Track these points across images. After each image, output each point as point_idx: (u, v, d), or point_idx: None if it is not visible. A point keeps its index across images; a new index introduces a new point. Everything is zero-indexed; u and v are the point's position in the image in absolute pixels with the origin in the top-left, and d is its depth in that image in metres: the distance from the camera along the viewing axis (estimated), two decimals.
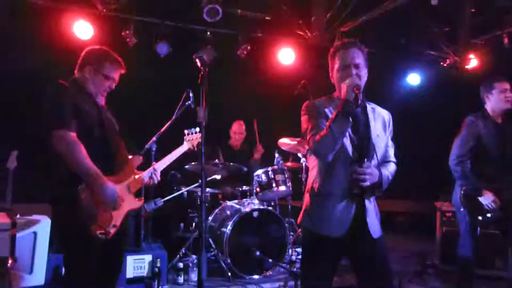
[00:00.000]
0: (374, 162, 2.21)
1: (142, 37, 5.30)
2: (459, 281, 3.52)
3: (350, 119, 2.13)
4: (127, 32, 5.20)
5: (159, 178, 2.75)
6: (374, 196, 2.28)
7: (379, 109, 2.41)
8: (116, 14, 5.11)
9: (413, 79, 6.72)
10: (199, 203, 4.36)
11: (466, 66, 6.04)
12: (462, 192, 3.42)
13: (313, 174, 2.34)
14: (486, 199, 3.28)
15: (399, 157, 2.52)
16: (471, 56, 5.96)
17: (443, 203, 5.18)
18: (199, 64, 2.48)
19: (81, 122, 2.37)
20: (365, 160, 2.16)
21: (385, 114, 2.40)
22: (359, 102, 2.13)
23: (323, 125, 2.20)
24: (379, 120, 2.35)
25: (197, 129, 3.16)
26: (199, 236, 2.33)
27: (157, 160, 2.97)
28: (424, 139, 6.46)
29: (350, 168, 2.17)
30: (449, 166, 3.46)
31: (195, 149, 3.04)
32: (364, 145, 2.22)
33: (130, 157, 2.65)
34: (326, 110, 2.28)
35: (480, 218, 3.35)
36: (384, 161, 2.35)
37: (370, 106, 2.35)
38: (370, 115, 2.31)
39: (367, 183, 2.13)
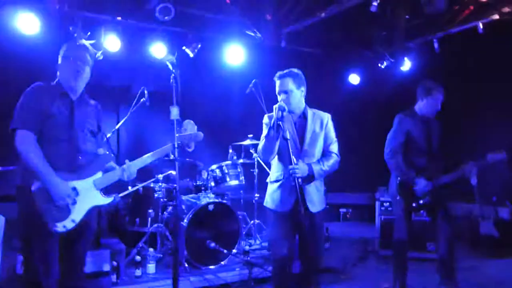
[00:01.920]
0: (309, 158, 3.00)
1: (92, 33, 5.22)
2: (395, 263, 3.84)
3: (277, 132, 2.85)
4: (75, 27, 5.10)
5: (132, 175, 2.77)
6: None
7: (318, 112, 3.14)
8: (63, 9, 5.00)
9: (354, 79, 7.14)
10: (155, 198, 4.47)
11: (401, 68, 6.54)
12: (397, 181, 3.75)
13: (272, 167, 3.18)
14: (419, 184, 3.62)
15: (341, 153, 3.15)
16: (405, 58, 6.47)
17: (381, 194, 5.62)
18: (170, 67, 2.64)
19: (46, 123, 2.50)
20: (294, 159, 2.87)
21: (323, 116, 3.12)
22: (284, 118, 2.87)
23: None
24: (317, 120, 3.09)
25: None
26: (174, 225, 2.47)
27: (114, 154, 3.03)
28: (364, 135, 6.90)
29: (286, 165, 2.91)
30: (384, 159, 3.80)
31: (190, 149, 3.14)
32: (297, 147, 2.99)
33: (101, 154, 2.72)
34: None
35: (413, 204, 3.71)
36: (327, 152, 3.09)
37: (311, 111, 3.11)
38: (309, 118, 3.07)
39: (299, 175, 2.84)
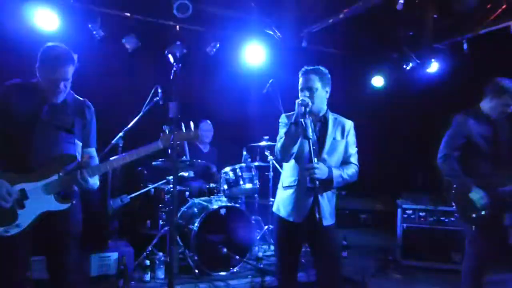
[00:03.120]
0: (327, 163, 2.76)
1: (110, 30, 5.18)
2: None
3: (299, 129, 2.62)
4: (94, 24, 5.08)
5: (91, 181, 2.52)
6: (328, 191, 2.82)
7: (341, 118, 2.93)
8: (83, 5, 4.98)
9: (378, 81, 6.90)
10: (166, 199, 4.37)
11: (427, 70, 6.26)
12: (453, 190, 3.35)
13: (284, 171, 2.95)
14: (475, 195, 3.20)
15: (362, 159, 2.94)
16: (432, 60, 6.18)
17: (404, 200, 5.39)
18: (172, 59, 2.44)
19: (7, 121, 2.39)
20: (316, 159, 2.64)
21: (346, 122, 2.92)
22: (307, 115, 2.64)
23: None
24: (339, 127, 2.88)
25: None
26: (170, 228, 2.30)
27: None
28: (387, 139, 6.66)
29: (302, 171, 2.73)
30: (437, 164, 3.39)
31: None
32: (316, 148, 2.73)
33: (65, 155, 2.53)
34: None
35: (473, 215, 3.24)
36: (345, 162, 2.87)
37: (333, 116, 2.89)
38: (330, 123, 2.85)
39: (317, 176, 2.59)
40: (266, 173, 5.04)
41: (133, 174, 4.73)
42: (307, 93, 2.75)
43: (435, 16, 5.59)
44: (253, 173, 4.67)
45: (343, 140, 2.86)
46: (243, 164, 4.68)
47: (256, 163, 4.94)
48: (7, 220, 2.32)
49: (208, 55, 5.62)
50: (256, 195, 5.06)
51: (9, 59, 4.40)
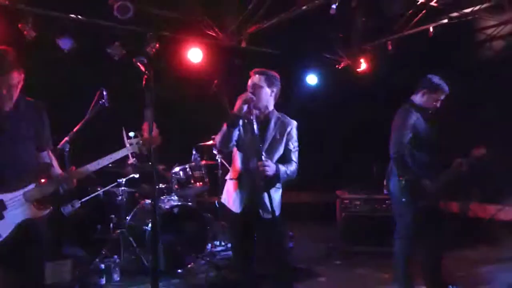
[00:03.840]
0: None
1: (44, 30, 4.97)
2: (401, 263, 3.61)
3: (238, 120, 2.76)
4: (25, 25, 4.84)
5: (69, 186, 2.57)
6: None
7: (284, 118, 3.01)
8: (12, 5, 4.72)
9: (312, 79, 7.28)
10: (117, 202, 4.33)
11: (357, 69, 6.75)
12: (403, 182, 3.45)
13: (232, 164, 3.03)
14: (426, 184, 3.39)
15: (301, 153, 3.05)
16: (361, 60, 6.69)
17: (342, 192, 5.78)
18: (142, 68, 2.48)
19: None
20: (264, 155, 2.77)
21: (288, 123, 2.99)
22: (244, 112, 2.76)
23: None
24: (281, 126, 2.95)
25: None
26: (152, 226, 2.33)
27: (74, 162, 2.86)
28: (322, 136, 7.04)
29: (249, 163, 2.83)
30: (391, 158, 3.51)
31: (144, 153, 2.91)
32: (257, 145, 2.79)
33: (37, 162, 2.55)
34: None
35: (424, 203, 3.43)
36: (285, 160, 2.93)
37: (276, 116, 2.98)
38: (272, 122, 2.94)
39: (269, 173, 2.71)
40: (215, 171, 5.16)
41: (81, 179, 4.59)
42: (251, 90, 2.88)
43: (363, 19, 6.08)
44: (203, 172, 4.77)
45: (283, 138, 2.93)
46: (192, 164, 4.76)
47: (205, 162, 5.03)
48: None
49: (148, 56, 5.59)
50: (206, 193, 5.16)
51: None
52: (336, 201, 5.71)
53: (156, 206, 2.51)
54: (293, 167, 2.94)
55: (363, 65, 6.72)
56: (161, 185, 4.77)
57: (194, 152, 4.93)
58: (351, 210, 5.56)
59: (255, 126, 2.76)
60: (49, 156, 2.63)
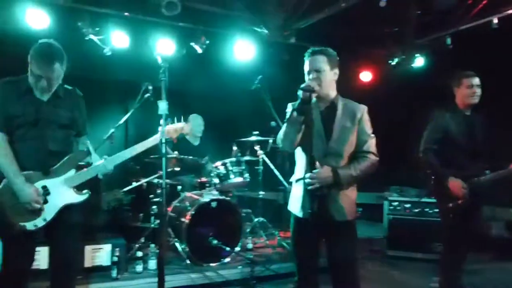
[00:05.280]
0: (335, 158, 2.51)
1: (99, 28, 5.24)
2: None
3: (301, 117, 2.41)
4: (83, 22, 5.13)
5: (108, 172, 2.71)
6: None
7: (352, 103, 2.64)
8: (72, 4, 5.02)
9: (365, 76, 7.04)
10: (158, 193, 4.46)
11: (412, 65, 6.41)
12: (432, 181, 3.47)
13: (296, 164, 2.68)
14: (452, 184, 3.31)
15: None
16: (417, 55, 6.34)
17: (390, 193, 5.53)
18: (160, 60, 2.56)
19: (12, 121, 2.49)
20: (321, 157, 2.47)
21: (357, 107, 2.62)
22: (310, 102, 2.43)
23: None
24: (349, 113, 2.58)
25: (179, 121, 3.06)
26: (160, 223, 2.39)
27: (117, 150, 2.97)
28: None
29: (309, 162, 2.49)
30: (418, 157, 3.51)
31: (175, 140, 3.03)
32: (322, 143, 2.50)
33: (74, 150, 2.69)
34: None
35: (450, 204, 3.35)
36: (361, 151, 2.57)
37: (342, 101, 2.62)
38: (339, 109, 2.57)
39: (316, 186, 2.43)
40: (256, 167, 5.16)
41: (125, 169, 4.82)
42: (314, 75, 2.52)
43: (418, 12, 5.74)
44: (243, 167, 4.79)
45: (354, 126, 2.56)
46: (233, 159, 4.79)
47: (246, 158, 5.04)
48: (33, 215, 2.47)
49: (197, 52, 5.69)
50: (246, 189, 5.18)
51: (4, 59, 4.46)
52: (383, 202, 5.49)
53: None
54: (366, 161, 2.54)
55: (418, 61, 6.37)
56: (202, 179, 4.84)
57: (235, 148, 4.96)
58: (399, 213, 5.32)
59: (317, 118, 2.48)
60: (86, 143, 2.77)
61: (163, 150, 2.81)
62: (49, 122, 2.57)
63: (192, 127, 5.28)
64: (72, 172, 2.61)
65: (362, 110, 2.61)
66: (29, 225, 2.46)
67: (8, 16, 4.67)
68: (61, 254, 2.61)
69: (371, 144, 2.59)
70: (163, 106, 2.80)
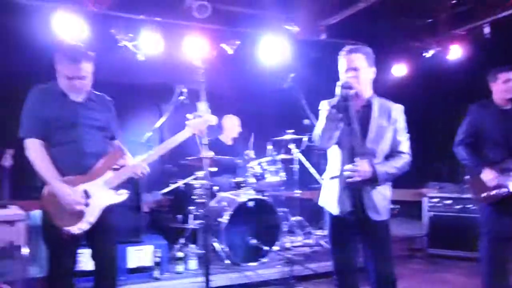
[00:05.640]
0: (371, 158, 2.48)
1: (132, 34, 5.33)
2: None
3: (339, 114, 2.42)
4: (116, 29, 5.24)
5: (145, 171, 2.75)
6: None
7: (387, 102, 2.64)
8: (105, 11, 5.13)
9: (398, 70, 6.88)
10: (196, 194, 4.51)
11: (448, 57, 6.22)
12: (467, 174, 3.47)
13: (329, 161, 2.71)
14: (486, 175, 3.26)
15: None
16: (453, 46, 6.13)
17: (430, 189, 5.39)
18: (198, 62, 2.57)
19: (49, 126, 2.52)
20: (357, 157, 2.44)
21: (393, 107, 2.62)
22: (349, 99, 2.43)
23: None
24: (385, 112, 2.59)
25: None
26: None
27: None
28: (411, 129, 6.63)
29: (347, 160, 2.47)
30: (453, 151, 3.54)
31: (202, 134, 3.05)
32: (357, 141, 2.48)
33: (112, 151, 2.73)
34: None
35: (484, 194, 3.29)
36: (396, 151, 2.58)
37: (378, 100, 2.62)
38: (376, 108, 2.57)
39: (357, 179, 2.41)
40: (291, 166, 5.13)
41: (162, 171, 4.90)
42: (352, 74, 2.50)
43: (453, 1, 5.56)
44: (279, 166, 4.77)
45: (390, 126, 2.57)
46: (268, 158, 4.78)
47: (281, 156, 5.02)
48: (77, 219, 2.51)
49: (228, 53, 5.72)
50: (282, 188, 5.16)
51: (40, 67, 4.60)
52: (423, 199, 5.35)
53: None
54: (402, 161, 2.56)
55: (454, 53, 6.17)
56: (237, 178, 4.85)
57: (269, 147, 4.94)
58: (440, 210, 5.18)
59: (353, 117, 2.44)
60: (120, 145, 2.83)
61: (201, 143, 2.78)
62: (85, 124, 2.61)
63: (228, 127, 5.33)
64: (109, 173, 2.64)
65: (398, 110, 2.62)
66: (74, 229, 2.50)
67: (44, 25, 4.80)
68: (103, 256, 2.68)
69: (406, 144, 2.61)
70: (202, 107, 2.81)
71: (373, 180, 2.46)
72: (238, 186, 4.79)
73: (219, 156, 4.65)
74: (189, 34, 5.46)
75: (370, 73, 2.58)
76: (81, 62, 2.52)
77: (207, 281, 2.61)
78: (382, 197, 2.55)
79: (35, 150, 2.50)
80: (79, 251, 2.71)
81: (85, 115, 2.62)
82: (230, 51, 5.69)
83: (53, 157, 2.52)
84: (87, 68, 2.56)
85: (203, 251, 4.24)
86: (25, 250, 2.15)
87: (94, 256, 2.70)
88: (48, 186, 2.49)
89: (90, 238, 2.65)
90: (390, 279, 2.58)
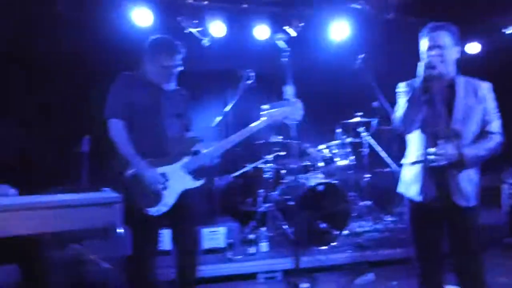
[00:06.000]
0: (458, 140, 2.35)
1: (198, 20, 5.38)
2: None
3: (423, 95, 2.32)
4: (182, 16, 5.32)
5: (215, 158, 2.81)
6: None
7: (473, 80, 2.48)
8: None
9: (472, 48, 6.46)
10: (265, 178, 4.53)
11: None
12: None
13: (408, 145, 2.59)
14: None
15: None
16: None
17: (510, 174, 5.05)
18: (283, 45, 2.55)
19: (133, 110, 2.63)
20: (441, 140, 2.33)
21: (480, 85, 2.47)
22: (432, 80, 2.32)
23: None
24: (471, 91, 2.44)
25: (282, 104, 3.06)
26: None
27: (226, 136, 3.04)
28: None
29: (430, 144, 2.37)
30: None
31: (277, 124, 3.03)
32: (441, 124, 2.37)
33: (189, 138, 2.81)
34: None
35: None
36: (486, 131, 2.43)
37: (463, 79, 2.46)
38: (461, 87, 2.42)
39: (440, 163, 2.29)
40: (360, 150, 5.00)
41: (232, 155, 4.96)
42: (436, 52, 2.36)
43: None
44: (348, 150, 4.67)
45: (478, 105, 2.42)
46: (337, 141, 4.69)
47: (350, 140, 4.90)
48: (157, 201, 2.62)
49: (292, 36, 5.63)
50: (351, 171, 5.05)
51: (114, 55, 4.78)
52: (502, 185, 5.03)
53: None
54: (492, 142, 2.41)
55: None
56: (306, 162, 4.81)
57: (338, 130, 4.84)
58: None
59: (438, 98, 2.35)
60: (194, 133, 2.92)
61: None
62: (167, 111, 2.71)
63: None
64: (187, 158, 2.73)
65: (486, 88, 2.47)
66: (153, 211, 2.59)
67: (115, 16, 4.98)
68: (184, 238, 2.77)
69: (497, 124, 2.45)
70: (289, 91, 2.80)
71: (460, 164, 2.33)
72: (306, 170, 4.75)
73: (287, 140, 4.63)
74: (253, 18, 5.43)
75: (455, 52, 2.44)
76: (180, 53, 2.70)
77: (297, 262, 2.59)
78: (469, 181, 2.39)
79: (118, 130, 2.62)
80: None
81: (168, 103, 2.73)
82: (293, 33, 5.61)
83: (133, 140, 2.63)
84: (180, 58, 2.73)
85: (271, 234, 4.29)
86: (120, 230, 2.26)
87: (176, 238, 2.80)
88: (131, 166, 2.58)
89: (171, 220, 2.75)
90: (477, 272, 2.41)
